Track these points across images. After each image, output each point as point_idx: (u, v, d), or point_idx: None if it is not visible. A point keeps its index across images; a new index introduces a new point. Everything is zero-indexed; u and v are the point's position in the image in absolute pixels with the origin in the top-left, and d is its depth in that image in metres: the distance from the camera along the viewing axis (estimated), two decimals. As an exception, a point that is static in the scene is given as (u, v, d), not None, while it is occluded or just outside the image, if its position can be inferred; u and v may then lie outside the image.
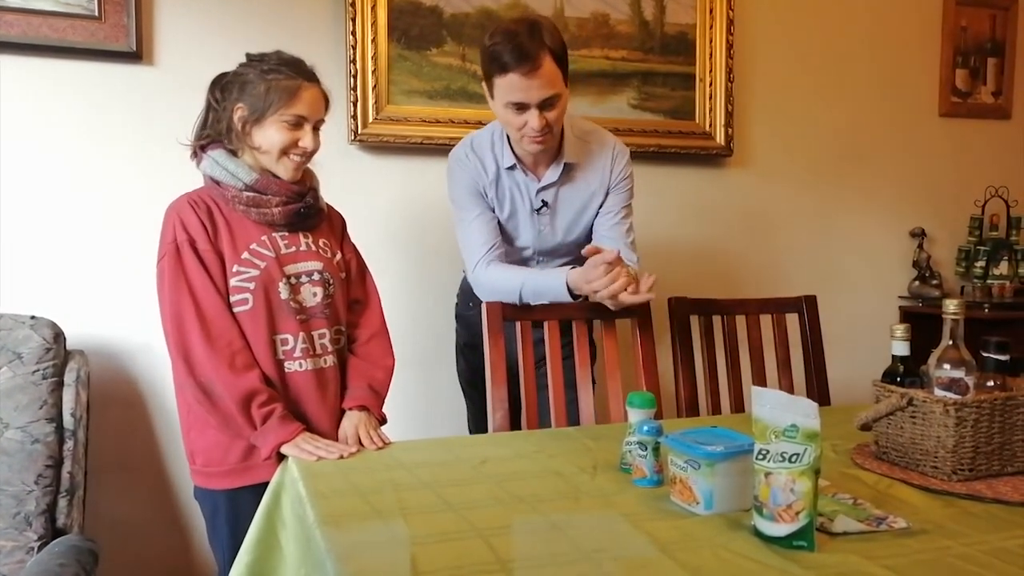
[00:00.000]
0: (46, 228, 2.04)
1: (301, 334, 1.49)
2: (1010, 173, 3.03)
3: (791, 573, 0.88)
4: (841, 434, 1.44)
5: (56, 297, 2.02)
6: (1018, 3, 3.03)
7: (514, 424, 1.73)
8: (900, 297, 2.94)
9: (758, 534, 0.97)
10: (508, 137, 1.75)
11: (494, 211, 1.81)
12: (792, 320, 2.03)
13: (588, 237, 1.87)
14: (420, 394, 2.35)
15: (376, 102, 2.25)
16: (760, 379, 1.94)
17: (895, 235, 2.94)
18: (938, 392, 1.23)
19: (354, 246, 1.70)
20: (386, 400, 1.60)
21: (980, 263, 2.89)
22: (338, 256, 1.62)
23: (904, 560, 0.91)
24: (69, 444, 1.75)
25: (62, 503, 1.72)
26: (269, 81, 1.46)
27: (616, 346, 1.80)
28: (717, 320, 1.97)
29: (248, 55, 1.53)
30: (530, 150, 1.72)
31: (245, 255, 1.47)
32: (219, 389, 1.39)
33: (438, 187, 1.85)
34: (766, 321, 2.00)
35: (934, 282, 2.88)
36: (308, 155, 1.52)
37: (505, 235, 1.83)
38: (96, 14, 2.01)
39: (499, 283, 1.74)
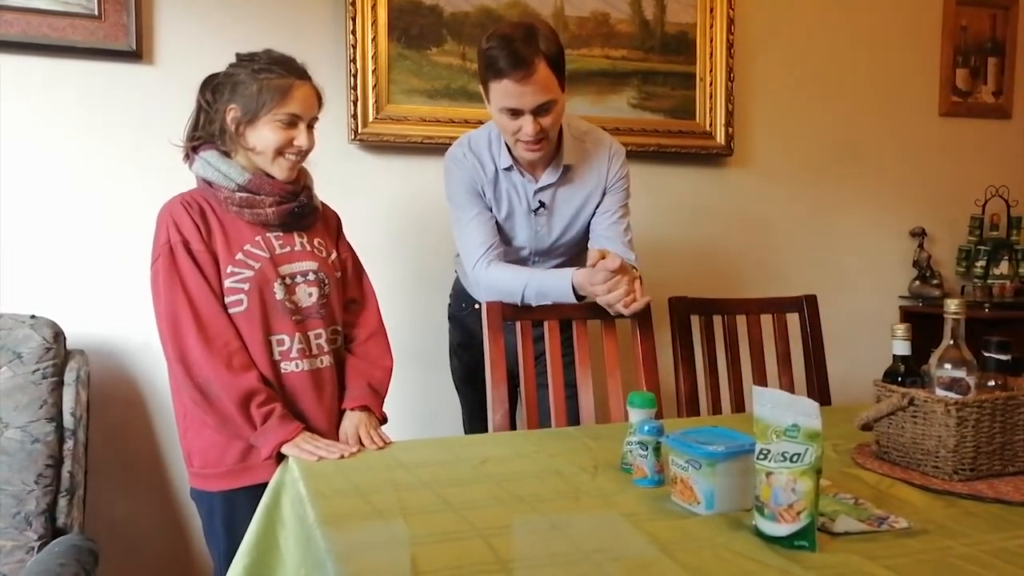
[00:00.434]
0: (46, 227, 2.04)
1: (297, 334, 1.49)
2: (1010, 173, 3.03)
3: (792, 573, 0.88)
4: (842, 434, 1.44)
5: (56, 297, 2.02)
6: (1018, 3, 3.03)
7: (512, 423, 1.73)
8: (900, 297, 2.94)
9: (759, 534, 0.97)
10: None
11: (491, 210, 1.80)
12: (792, 319, 2.03)
13: (585, 237, 1.87)
14: (419, 393, 2.35)
15: (376, 101, 2.25)
16: (760, 379, 1.94)
17: (895, 235, 2.94)
18: (939, 392, 1.23)
19: (350, 245, 1.69)
20: (385, 399, 1.59)
21: (980, 263, 2.89)
22: (333, 255, 1.61)
23: (906, 560, 0.91)
24: (69, 444, 1.75)
25: (62, 503, 1.72)
26: (261, 81, 1.45)
27: (616, 345, 1.80)
28: (717, 319, 1.97)
29: (238, 55, 1.52)
30: (526, 158, 1.73)
31: (239, 256, 1.47)
32: (217, 390, 1.39)
33: (438, 186, 1.85)
34: (766, 320, 2.00)
35: (934, 282, 2.88)
36: (303, 154, 1.52)
37: (502, 235, 1.82)
38: (96, 13, 2.01)
39: (500, 283, 1.74)
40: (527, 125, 1.63)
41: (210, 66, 1.56)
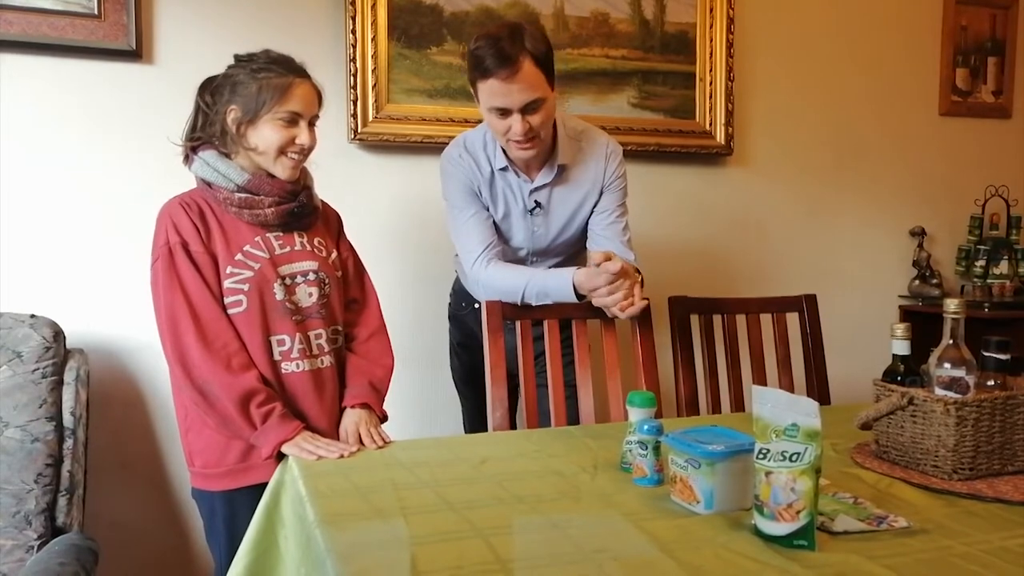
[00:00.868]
0: (46, 226, 2.04)
1: (297, 335, 1.49)
2: (1010, 172, 3.03)
3: (792, 572, 0.88)
4: (841, 433, 1.44)
5: (56, 296, 2.02)
6: (1018, 2, 3.03)
7: (512, 423, 1.73)
8: (900, 296, 2.94)
9: (759, 533, 0.97)
10: None
11: (488, 210, 1.81)
12: (792, 319, 2.03)
13: (582, 236, 1.87)
14: (420, 393, 2.35)
15: (376, 101, 2.25)
16: (760, 378, 1.94)
17: (895, 234, 2.94)
18: (939, 391, 1.23)
19: (351, 244, 1.69)
20: (385, 398, 1.59)
21: (980, 262, 2.89)
22: (334, 255, 1.60)
23: (905, 559, 0.91)
24: (69, 443, 1.75)
25: (62, 502, 1.72)
26: (260, 80, 1.45)
27: (616, 345, 1.80)
28: (717, 319, 1.97)
29: (236, 56, 1.52)
30: (519, 156, 1.73)
31: (239, 256, 1.47)
32: (216, 390, 1.39)
33: (438, 186, 1.85)
34: (766, 320, 2.00)
35: (934, 281, 2.88)
36: (305, 152, 1.51)
37: (499, 235, 1.82)
38: (96, 12, 2.00)
39: (500, 282, 1.73)
40: (516, 124, 1.63)
41: (210, 65, 1.56)
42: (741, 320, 1.99)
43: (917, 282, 2.90)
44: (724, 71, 2.59)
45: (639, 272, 1.71)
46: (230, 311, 1.45)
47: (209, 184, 1.49)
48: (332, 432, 1.50)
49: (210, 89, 1.50)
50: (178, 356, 1.40)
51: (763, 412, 0.98)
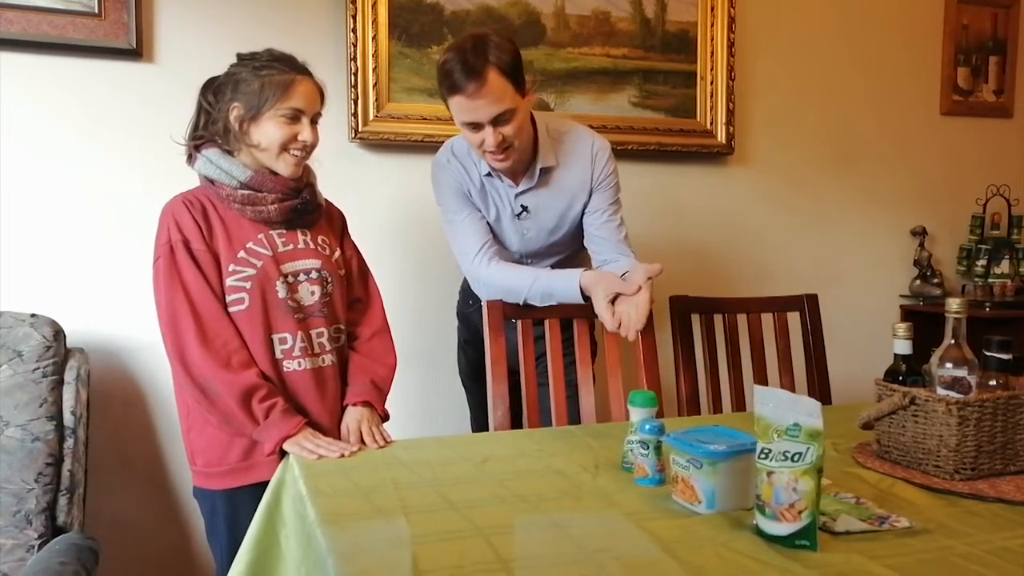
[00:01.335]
0: (46, 226, 2.03)
1: (299, 333, 1.49)
2: (1011, 171, 3.03)
3: (793, 572, 0.88)
4: (842, 433, 1.44)
5: (56, 295, 2.02)
6: (1019, 1, 3.03)
7: (515, 422, 1.73)
8: (901, 296, 2.94)
9: (760, 533, 0.97)
10: None
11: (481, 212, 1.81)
12: (793, 318, 2.03)
13: (577, 236, 1.86)
14: (421, 392, 2.35)
15: (377, 100, 2.25)
16: (761, 378, 1.94)
17: (896, 234, 2.93)
18: (940, 391, 1.23)
19: (354, 244, 1.69)
20: (387, 397, 1.59)
21: (981, 262, 2.89)
22: (337, 253, 1.60)
23: (907, 559, 0.91)
24: (69, 442, 1.75)
25: (62, 501, 1.72)
26: (263, 77, 1.46)
27: (617, 344, 1.80)
28: (718, 318, 1.97)
29: (239, 55, 1.52)
30: (496, 168, 1.72)
31: (241, 254, 1.47)
32: (217, 388, 1.39)
33: (439, 185, 1.85)
34: (767, 319, 2.00)
35: (935, 281, 2.88)
36: (308, 149, 1.51)
37: (494, 237, 1.82)
38: (96, 11, 2.00)
39: (504, 281, 1.73)
40: (488, 136, 1.62)
41: (210, 64, 1.56)
42: (742, 319, 1.98)
43: (918, 281, 2.90)
44: (725, 70, 2.59)
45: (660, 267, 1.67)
46: (232, 309, 1.45)
47: (212, 181, 1.49)
48: (334, 430, 1.50)
49: (212, 88, 1.51)
50: (178, 354, 1.40)
51: (765, 412, 0.98)
